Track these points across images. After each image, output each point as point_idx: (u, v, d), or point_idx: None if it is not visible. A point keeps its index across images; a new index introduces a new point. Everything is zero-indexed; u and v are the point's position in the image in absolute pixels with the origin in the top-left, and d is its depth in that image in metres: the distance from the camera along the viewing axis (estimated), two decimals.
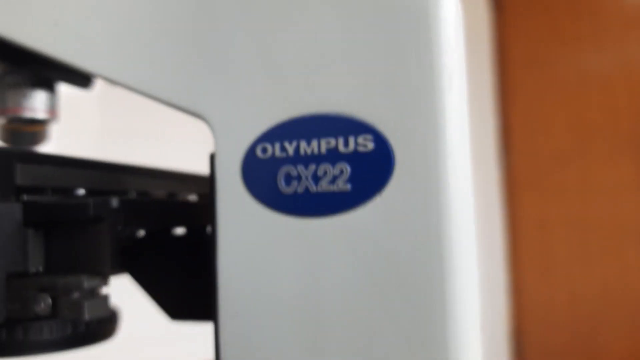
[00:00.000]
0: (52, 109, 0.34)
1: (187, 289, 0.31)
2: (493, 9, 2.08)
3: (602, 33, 1.91)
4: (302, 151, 0.24)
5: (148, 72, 0.26)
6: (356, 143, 0.24)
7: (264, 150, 0.25)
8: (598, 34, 1.91)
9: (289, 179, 0.24)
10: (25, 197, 0.26)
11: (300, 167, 0.24)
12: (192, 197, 0.40)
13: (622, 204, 1.82)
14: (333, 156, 0.24)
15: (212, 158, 0.25)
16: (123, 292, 0.33)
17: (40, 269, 0.26)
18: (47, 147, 0.35)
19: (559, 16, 1.97)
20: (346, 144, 0.24)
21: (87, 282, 0.25)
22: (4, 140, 0.40)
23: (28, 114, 0.33)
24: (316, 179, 0.24)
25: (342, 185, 0.24)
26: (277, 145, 0.25)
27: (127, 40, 0.26)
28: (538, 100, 2.00)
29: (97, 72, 0.26)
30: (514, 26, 2.07)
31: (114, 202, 0.25)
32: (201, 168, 0.32)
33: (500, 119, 2.01)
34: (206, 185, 0.26)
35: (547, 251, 1.92)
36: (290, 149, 0.24)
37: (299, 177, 0.24)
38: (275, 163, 0.25)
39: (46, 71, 0.32)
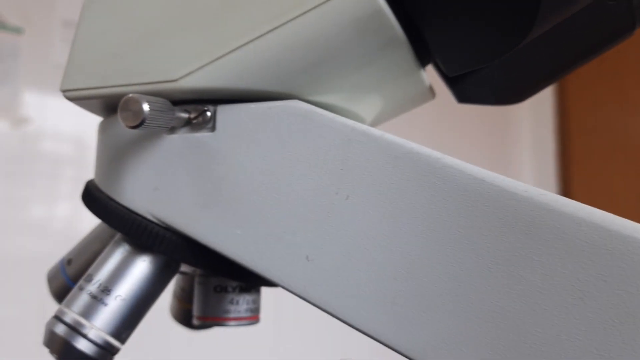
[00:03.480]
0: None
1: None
2: None
3: None
4: None
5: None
6: None
7: None
8: None
9: None
10: None
11: None
12: None
13: None
14: None
15: None
16: None
17: None
18: None
19: (623, 84, 1.94)
20: None
21: None
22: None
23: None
24: None
25: None
26: None
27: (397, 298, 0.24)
28: (601, 168, 1.95)
29: (363, 329, 0.24)
30: (577, 93, 2.04)
31: None
32: None
33: (561, 186, 1.97)
34: None
35: None
36: None
37: None
38: None
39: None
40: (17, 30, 1.23)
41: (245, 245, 0.26)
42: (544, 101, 2.03)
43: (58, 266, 0.35)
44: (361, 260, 0.25)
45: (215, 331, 0.39)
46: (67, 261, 0.34)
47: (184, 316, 0.37)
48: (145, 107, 0.24)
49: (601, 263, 0.21)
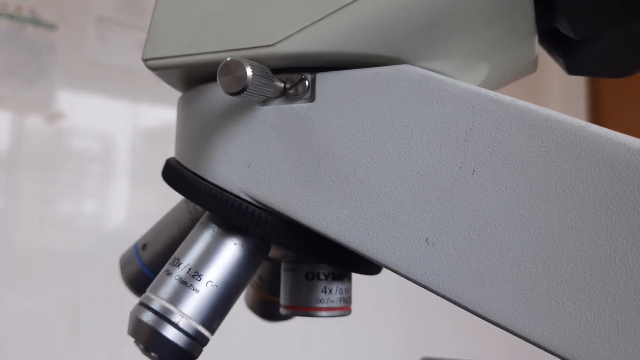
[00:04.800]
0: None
1: None
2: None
3: None
4: None
5: None
6: None
7: None
8: None
9: None
10: None
11: None
12: None
13: None
14: None
15: None
16: None
17: None
18: None
19: None
20: None
21: None
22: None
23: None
24: None
25: None
26: None
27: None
28: None
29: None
30: (611, 90, 1.98)
31: None
32: None
33: None
34: None
35: None
36: None
37: None
38: None
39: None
40: (51, 27, 1.23)
41: (353, 227, 0.24)
42: (576, 98, 1.97)
43: (132, 251, 0.32)
44: (492, 243, 0.22)
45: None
46: (142, 246, 0.32)
47: (262, 307, 0.35)
48: (249, 71, 0.22)
49: None
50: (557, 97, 1.94)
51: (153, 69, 0.27)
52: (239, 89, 0.22)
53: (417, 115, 0.23)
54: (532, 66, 0.30)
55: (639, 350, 0.20)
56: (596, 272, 0.20)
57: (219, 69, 0.22)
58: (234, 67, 0.22)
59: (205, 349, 0.26)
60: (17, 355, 1.04)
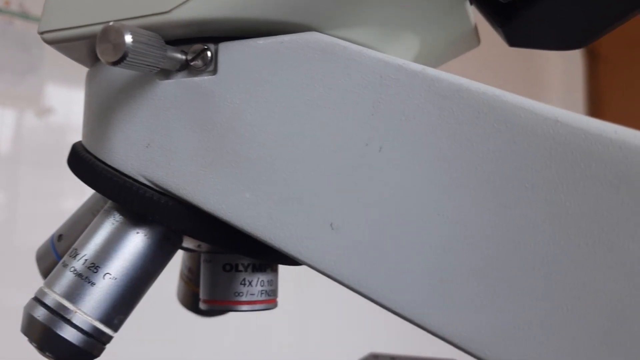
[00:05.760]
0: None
1: None
2: (588, 58, 1.97)
3: None
4: None
5: None
6: None
7: None
8: None
9: None
10: None
11: None
12: None
13: None
14: None
15: None
16: None
17: None
18: None
19: None
20: None
21: None
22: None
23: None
24: None
25: None
26: None
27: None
28: None
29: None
30: (610, 76, 1.95)
31: None
32: None
33: None
34: None
35: None
36: None
37: None
38: None
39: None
40: (39, 20, 1.21)
41: (255, 211, 0.21)
42: (574, 87, 1.94)
43: (48, 243, 0.30)
44: (399, 227, 0.19)
45: (225, 319, 0.34)
46: (58, 237, 0.30)
47: (192, 301, 0.33)
48: (128, 38, 0.20)
49: None
50: (555, 88, 1.91)
51: (49, 42, 0.24)
52: (118, 57, 0.20)
53: (322, 88, 0.21)
54: (473, 38, 0.28)
55: (559, 347, 0.17)
56: (511, 260, 0.18)
57: (97, 36, 0.20)
58: (112, 34, 0.20)
59: None
60: (15, 351, 1.03)
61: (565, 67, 1.94)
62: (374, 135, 0.20)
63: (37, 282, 0.26)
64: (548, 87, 1.89)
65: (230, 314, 0.31)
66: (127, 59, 0.20)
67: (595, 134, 0.17)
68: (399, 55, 0.25)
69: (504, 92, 0.19)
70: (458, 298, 0.18)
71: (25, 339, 0.23)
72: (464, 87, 0.19)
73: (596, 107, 1.95)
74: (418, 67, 0.20)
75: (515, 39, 0.27)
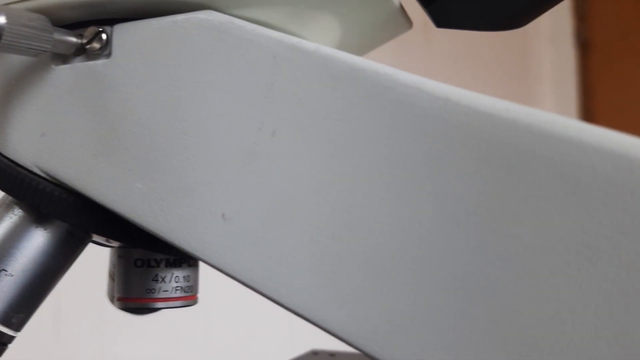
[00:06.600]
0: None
1: None
2: (579, 49, 1.96)
3: None
4: None
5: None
6: None
7: None
8: None
9: None
10: None
11: None
12: None
13: None
14: None
15: None
16: None
17: None
18: None
19: None
20: None
21: None
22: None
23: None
24: None
25: None
26: None
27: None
28: None
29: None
30: (602, 68, 1.93)
31: None
32: None
33: None
34: None
35: None
36: None
37: None
38: None
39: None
40: None
41: (148, 203, 0.20)
42: (566, 80, 1.93)
43: None
44: (290, 216, 0.18)
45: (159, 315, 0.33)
46: None
47: None
48: (2, 19, 0.18)
49: (622, 207, 0.14)
50: (547, 80, 1.90)
51: None
52: None
53: (215, 70, 0.20)
54: (401, 20, 0.26)
55: (451, 345, 0.16)
56: (401, 248, 0.17)
57: None
58: None
59: None
60: None
61: (557, 58, 1.92)
62: (267, 119, 0.19)
63: None
64: (539, 79, 1.88)
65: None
66: (3, 40, 0.19)
67: (485, 113, 0.16)
68: (317, 41, 0.24)
69: (397, 71, 0.17)
70: (347, 290, 0.17)
71: None
72: (358, 66, 0.18)
73: (588, 99, 1.94)
74: (312, 46, 0.19)
75: (441, 20, 0.25)
